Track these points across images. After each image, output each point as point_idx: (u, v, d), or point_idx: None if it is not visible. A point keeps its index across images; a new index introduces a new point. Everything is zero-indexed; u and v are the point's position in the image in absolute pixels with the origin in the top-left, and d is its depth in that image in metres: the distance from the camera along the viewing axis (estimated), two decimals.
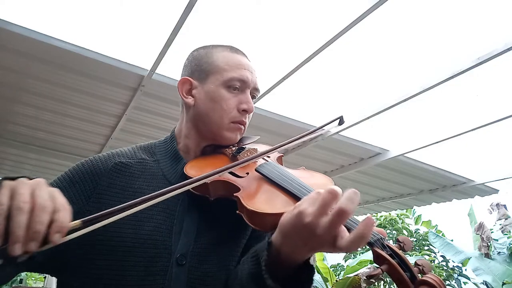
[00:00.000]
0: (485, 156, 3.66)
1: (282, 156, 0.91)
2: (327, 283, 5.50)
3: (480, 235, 6.50)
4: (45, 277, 8.03)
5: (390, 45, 2.44)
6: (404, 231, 9.29)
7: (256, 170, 0.77)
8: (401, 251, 0.57)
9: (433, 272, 0.55)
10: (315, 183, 0.70)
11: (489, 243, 6.38)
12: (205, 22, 2.20)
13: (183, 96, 0.88)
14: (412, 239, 8.34)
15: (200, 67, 0.88)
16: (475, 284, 6.98)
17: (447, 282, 7.21)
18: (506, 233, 6.63)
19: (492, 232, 6.63)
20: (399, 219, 9.25)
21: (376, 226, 0.59)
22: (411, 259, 0.64)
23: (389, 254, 0.55)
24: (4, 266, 0.50)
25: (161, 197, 0.61)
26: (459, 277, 7.43)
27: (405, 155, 3.44)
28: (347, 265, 7.38)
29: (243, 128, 0.88)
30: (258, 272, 0.63)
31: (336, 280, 5.45)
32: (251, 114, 0.90)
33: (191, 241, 0.76)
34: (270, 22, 2.30)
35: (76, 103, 2.88)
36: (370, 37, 2.33)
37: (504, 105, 2.67)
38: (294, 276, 0.63)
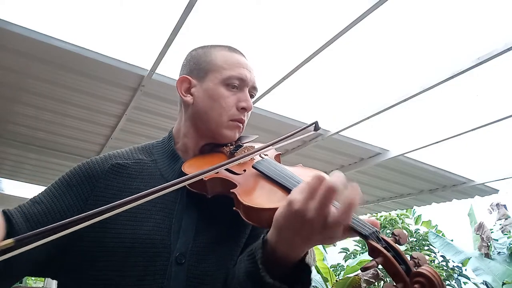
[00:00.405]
0: (485, 156, 3.66)
1: (280, 154, 0.91)
2: (327, 283, 5.50)
3: (480, 235, 6.50)
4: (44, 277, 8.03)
5: (390, 45, 2.44)
6: (404, 231, 9.24)
7: (253, 166, 0.78)
8: (396, 244, 0.57)
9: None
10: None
11: (489, 243, 6.37)
12: (205, 22, 2.20)
13: (181, 94, 0.88)
14: (412, 239, 8.34)
15: (198, 65, 0.88)
16: (475, 284, 6.97)
17: (447, 282, 7.20)
18: (506, 233, 6.62)
19: (492, 232, 6.62)
20: (399, 219, 9.24)
21: None
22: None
23: (384, 247, 0.55)
24: None
25: (156, 194, 0.60)
26: (459, 277, 7.43)
27: (405, 155, 3.44)
28: (347, 265, 7.38)
29: (241, 126, 0.88)
30: (255, 270, 0.63)
31: (336, 280, 5.45)
32: (250, 112, 0.90)
33: (190, 239, 0.76)
34: (270, 22, 2.30)
35: (76, 103, 2.88)
36: (370, 37, 2.33)
37: (504, 105, 2.68)
38: (291, 275, 0.63)
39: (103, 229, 0.72)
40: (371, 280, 4.39)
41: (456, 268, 7.46)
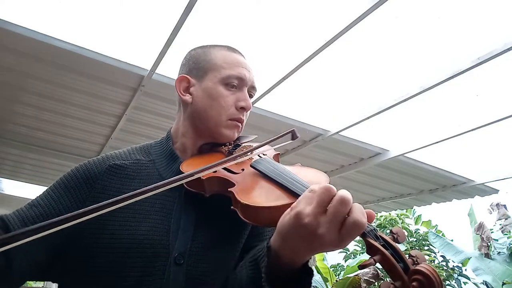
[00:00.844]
0: (485, 156, 3.65)
1: (279, 154, 0.91)
2: (327, 283, 5.50)
3: (480, 235, 6.49)
4: None
5: (390, 45, 2.44)
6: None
7: (251, 166, 0.78)
8: (394, 242, 0.56)
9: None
10: (310, 178, 0.70)
11: (489, 243, 6.37)
12: (205, 22, 2.19)
13: (180, 93, 0.88)
14: (412, 239, 8.33)
15: (197, 65, 0.88)
16: (475, 284, 6.97)
17: (447, 282, 7.20)
18: (506, 233, 6.62)
19: (492, 232, 6.62)
20: (399, 219, 9.24)
21: (376, 226, 0.59)
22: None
23: (382, 245, 0.55)
24: None
25: (153, 192, 0.58)
26: (459, 277, 7.42)
27: (405, 155, 3.44)
28: (347, 265, 7.38)
29: (240, 126, 0.88)
30: (257, 277, 0.63)
31: (336, 280, 5.44)
32: (249, 112, 0.90)
33: (188, 239, 0.76)
34: (270, 22, 2.30)
35: (76, 103, 2.88)
36: (370, 37, 2.33)
37: (504, 105, 2.67)
38: (294, 279, 0.63)
39: (101, 230, 0.72)
40: (371, 280, 4.39)
41: (456, 268, 7.46)
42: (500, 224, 6.77)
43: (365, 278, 4.36)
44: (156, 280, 0.71)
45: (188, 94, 0.88)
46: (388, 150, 3.48)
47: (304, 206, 0.56)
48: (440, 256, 7.72)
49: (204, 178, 0.73)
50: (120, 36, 2.36)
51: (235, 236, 0.82)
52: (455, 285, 7.37)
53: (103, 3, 2.17)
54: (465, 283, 7.39)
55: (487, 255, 6.26)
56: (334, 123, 3.13)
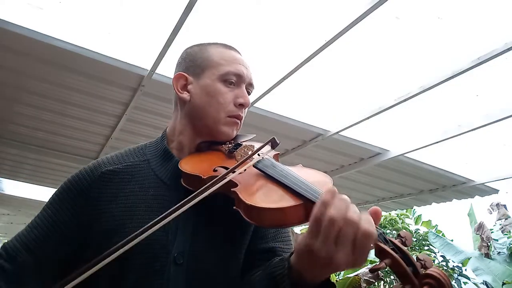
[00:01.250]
0: (485, 156, 3.64)
1: (278, 154, 0.91)
2: None
3: (480, 235, 6.50)
4: None
5: (390, 45, 2.44)
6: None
7: (254, 166, 0.78)
8: (403, 245, 0.57)
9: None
10: (312, 179, 0.70)
11: (489, 243, 6.38)
12: (205, 22, 2.19)
13: (178, 91, 0.88)
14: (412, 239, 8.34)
15: (195, 62, 0.88)
16: (475, 284, 6.97)
17: None
18: (506, 233, 6.62)
19: (492, 232, 6.62)
20: (399, 219, 9.24)
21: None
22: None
23: (391, 249, 0.55)
24: None
25: (175, 214, 0.64)
26: (459, 277, 7.43)
27: (405, 155, 3.44)
28: None
29: (239, 123, 0.88)
30: None
31: (336, 280, 5.44)
32: (247, 109, 0.90)
33: (188, 239, 0.76)
34: (269, 22, 2.30)
35: (76, 103, 2.88)
36: (370, 37, 2.33)
37: (504, 105, 2.67)
38: None
39: (102, 230, 0.73)
40: (371, 280, 4.39)
41: (456, 268, 7.46)
42: (500, 224, 6.77)
43: (365, 278, 4.37)
44: (156, 280, 0.71)
45: (185, 92, 0.87)
46: (388, 150, 3.48)
47: (312, 239, 0.56)
48: (440, 256, 7.73)
49: (205, 177, 0.73)
50: (120, 36, 2.36)
51: (236, 236, 0.81)
52: (455, 285, 7.38)
53: (103, 3, 2.17)
54: (465, 283, 7.40)
55: (487, 255, 6.26)
56: (334, 123, 3.13)
